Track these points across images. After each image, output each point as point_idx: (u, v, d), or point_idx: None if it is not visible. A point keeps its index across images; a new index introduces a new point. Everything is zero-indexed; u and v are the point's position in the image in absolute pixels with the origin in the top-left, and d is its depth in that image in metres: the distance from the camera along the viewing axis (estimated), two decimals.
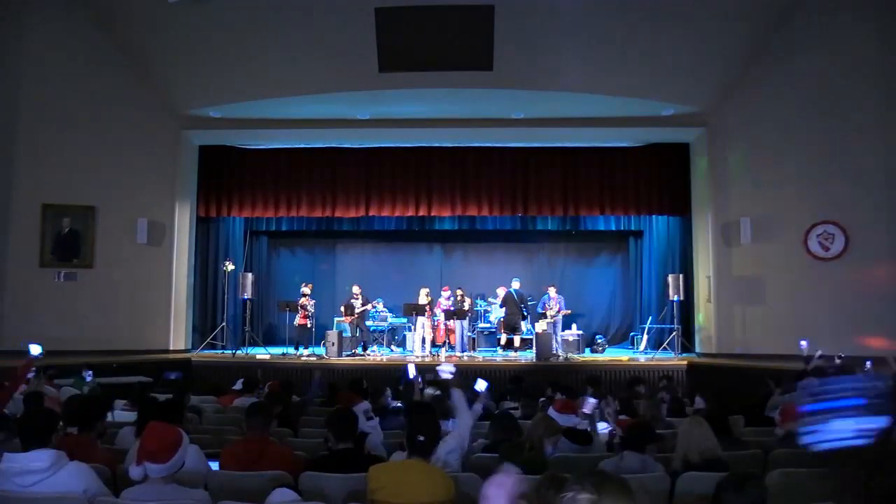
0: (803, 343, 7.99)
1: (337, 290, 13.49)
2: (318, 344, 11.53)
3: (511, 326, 11.86)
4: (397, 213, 12.22)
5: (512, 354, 11.59)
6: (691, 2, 9.23)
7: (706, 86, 10.56)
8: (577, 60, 9.93)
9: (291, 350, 11.46)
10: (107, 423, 4.29)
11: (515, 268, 13.62)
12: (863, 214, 9.89)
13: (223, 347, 11.51)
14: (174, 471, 2.86)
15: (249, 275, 11.55)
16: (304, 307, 11.56)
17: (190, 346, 11.42)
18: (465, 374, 7.33)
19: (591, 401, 4.81)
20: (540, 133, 11.47)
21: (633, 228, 13.43)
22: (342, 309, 12.11)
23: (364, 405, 5.19)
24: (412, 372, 6.76)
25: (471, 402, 4.39)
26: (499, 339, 12.33)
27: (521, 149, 11.95)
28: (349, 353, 11.29)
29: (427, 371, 7.21)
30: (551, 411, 5.26)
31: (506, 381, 8.98)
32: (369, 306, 12.16)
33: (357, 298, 11.94)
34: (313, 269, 13.92)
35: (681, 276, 11.19)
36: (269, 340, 12.71)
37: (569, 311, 11.97)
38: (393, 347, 12.64)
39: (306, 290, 11.73)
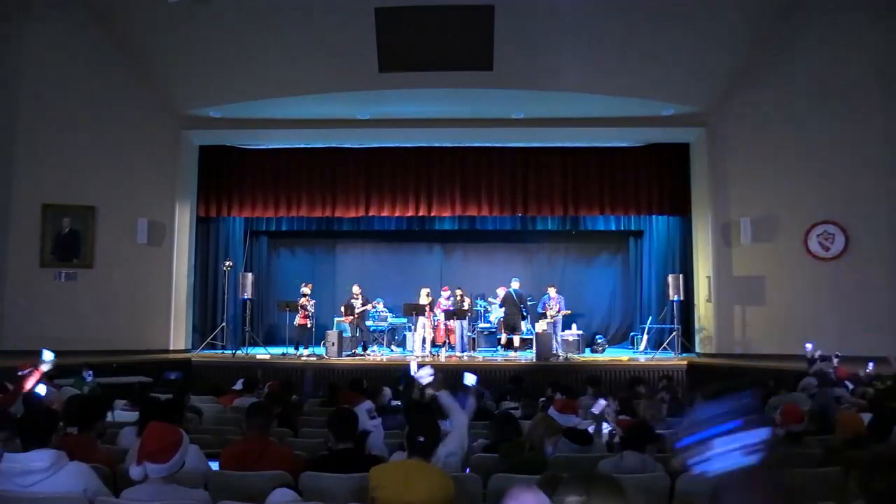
0: (808, 345, 7.97)
1: (337, 290, 13.47)
2: (318, 344, 11.52)
3: (511, 326, 11.84)
4: (397, 213, 12.21)
5: (512, 354, 11.57)
6: (692, 2, 9.24)
7: (706, 86, 10.56)
8: (577, 60, 9.93)
9: (291, 350, 11.45)
10: (107, 423, 4.29)
11: (515, 268, 13.60)
12: (863, 214, 9.90)
13: (223, 347, 11.50)
14: (174, 471, 2.86)
15: (249, 275, 11.54)
16: (304, 307, 11.55)
17: (190, 346, 11.43)
18: (450, 373, 7.32)
19: (601, 402, 4.77)
20: (540, 133, 11.46)
21: (633, 228, 13.42)
22: (342, 309, 12.11)
23: (367, 404, 5.18)
24: (414, 369, 6.74)
25: (464, 397, 4.37)
26: (499, 339, 12.33)
27: (521, 149, 11.94)
28: (349, 353, 11.28)
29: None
30: (551, 411, 5.25)
31: (506, 381, 8.99)
32: (369, 306, 12.15)
33: (357, 298, 11.93)
34: (313, 269, 13.90)
35: (681, 276, 11.19)
36: (269, 340, 12.70)
37: (569, 311, 11.95)
38: (393, 347, 12.63)
39: (306, 290, 11.72)
